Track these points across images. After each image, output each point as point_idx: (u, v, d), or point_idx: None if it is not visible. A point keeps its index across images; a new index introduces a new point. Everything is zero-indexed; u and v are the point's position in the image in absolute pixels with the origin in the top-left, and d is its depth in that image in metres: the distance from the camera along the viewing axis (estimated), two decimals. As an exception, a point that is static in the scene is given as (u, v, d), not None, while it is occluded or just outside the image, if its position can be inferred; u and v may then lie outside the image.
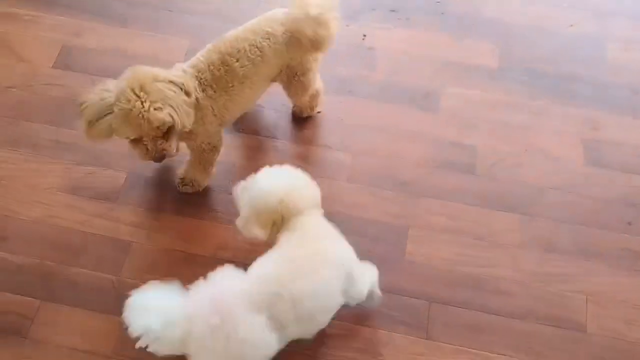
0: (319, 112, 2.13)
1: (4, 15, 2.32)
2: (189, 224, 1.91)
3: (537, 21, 2.38)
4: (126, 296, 1.45)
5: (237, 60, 1.73)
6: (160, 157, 1.67)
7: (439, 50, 2.30)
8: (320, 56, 1.92)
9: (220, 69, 1.72)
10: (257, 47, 1.75)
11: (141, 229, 1.90)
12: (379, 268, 1.85)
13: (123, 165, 2.01)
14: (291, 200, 1.52)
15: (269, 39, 1.76)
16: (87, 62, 2.22)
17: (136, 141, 1.64)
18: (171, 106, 1.58)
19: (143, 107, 1.53)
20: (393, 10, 2.39)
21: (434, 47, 2.30)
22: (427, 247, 1.90)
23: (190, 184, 1.94)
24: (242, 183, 1.60)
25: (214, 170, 1.94)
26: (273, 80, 1.90)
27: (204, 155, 1.86)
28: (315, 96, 2.07)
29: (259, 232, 1.55)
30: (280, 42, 1.77)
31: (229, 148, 2.04)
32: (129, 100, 1.53)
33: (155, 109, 1.54)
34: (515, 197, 1.99)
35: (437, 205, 1.97)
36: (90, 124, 1.62)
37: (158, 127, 1.58)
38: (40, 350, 1.71)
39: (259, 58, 1.75)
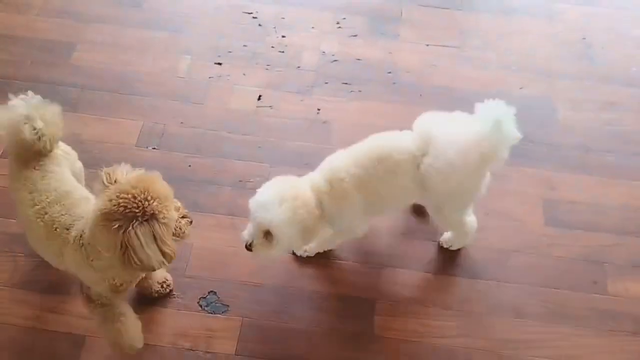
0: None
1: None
2: (145, 312, 1.82)
3: (487, 86, 2.43)
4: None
5: None
6: None
7: (391, 120, 2.29)
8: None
9: None
10: None
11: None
12: (347, 345, 1.79)
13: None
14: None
15: None
16: (37, 149, 2.17)
17: None
18: None
19: None
20: (346, 83, 2.41)
21: (387, 116, 2.32)
22: (395, 321, 1.85)
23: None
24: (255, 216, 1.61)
25: None
26: None
27: None
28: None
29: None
30: None
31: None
32: None
33: None
34: (480, 262, 1.97)
35: (402, 275, 1.93)
36: None
37: None
38: None
39: None
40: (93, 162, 2.14)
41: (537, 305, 1.89)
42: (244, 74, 2.43)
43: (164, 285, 1.84)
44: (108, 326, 1.63)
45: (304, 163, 2.17)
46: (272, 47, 2.52)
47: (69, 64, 2.41)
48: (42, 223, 1.52)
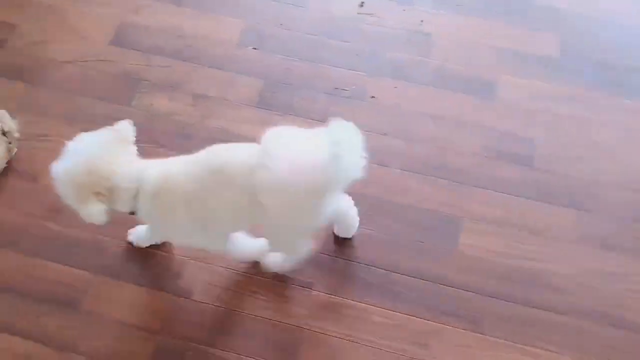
0: None
1: (62, -10, 2.34)
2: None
3: (604, 12, 2.30)
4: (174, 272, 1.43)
5: None
6: None
7: (497, 38, 2.24)
8: None
9: None
10: None
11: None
12: (430, 258, 1.82)
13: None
14: (100, 168, 1.43)
15: None
16: (142, 40, 2.23)
17: None
18: None
19: None
20: (453, -4, 2.34)
21: (492, 34, 2.24)
22: (480, 239, 1.86)
23: None
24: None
25: None
26: None
27: None
28: None
29: (93, 211, 1.43)
30: None
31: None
32: None
33: None
34: (573, 192, 1.94)
35: (492, 197, 1.92)
36: None
37: None
38: (91, 323, 1.73)
39: None
40: (195, 54, 2.20)
41: (627, 240, 1.86)
42: (347, -21, 2.38)
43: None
44: None
45: (402, 75, 2.15)
46: (378, -47, 2.45)
47: (176, -43, 2.43)
48: None
